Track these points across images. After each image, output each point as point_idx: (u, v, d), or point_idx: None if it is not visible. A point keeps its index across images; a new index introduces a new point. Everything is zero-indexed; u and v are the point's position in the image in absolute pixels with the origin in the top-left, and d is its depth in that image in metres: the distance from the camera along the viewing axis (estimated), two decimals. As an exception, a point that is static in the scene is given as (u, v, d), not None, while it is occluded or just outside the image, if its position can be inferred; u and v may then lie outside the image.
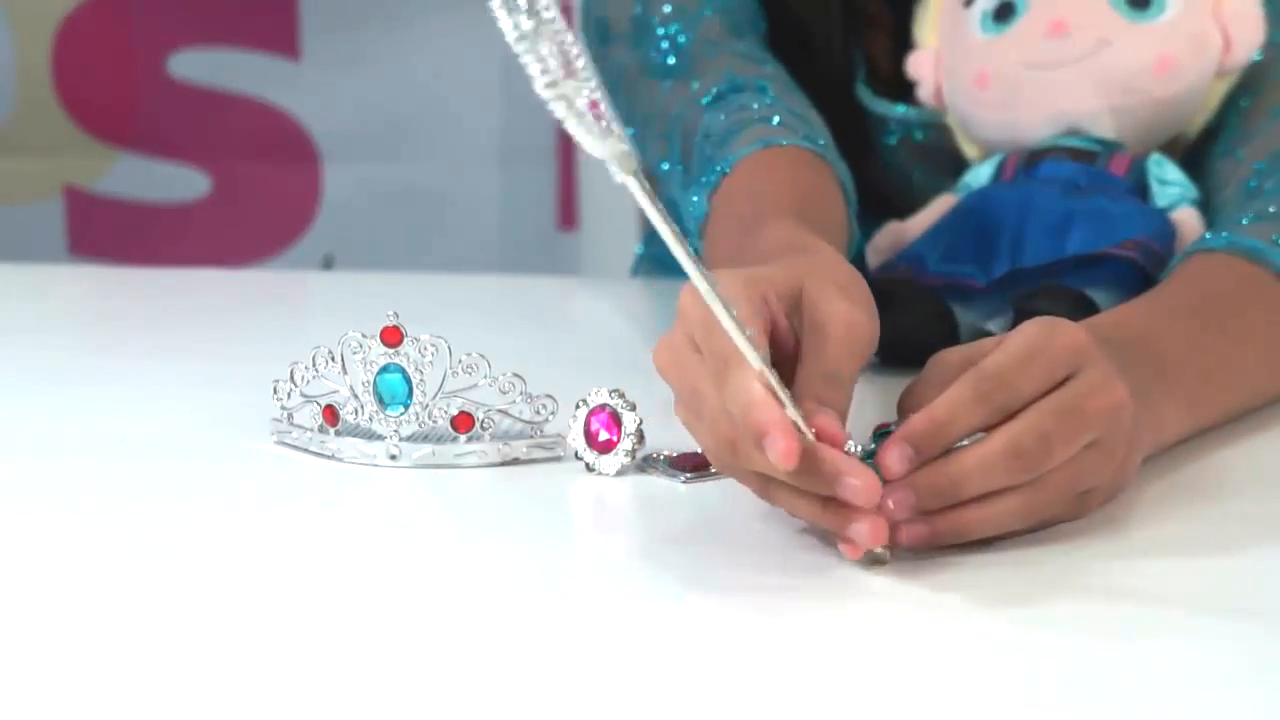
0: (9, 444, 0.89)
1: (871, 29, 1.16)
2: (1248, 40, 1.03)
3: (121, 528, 0.75)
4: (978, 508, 0.72)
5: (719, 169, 1.00)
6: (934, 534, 0.71)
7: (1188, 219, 1.00)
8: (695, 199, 1.00)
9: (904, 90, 1.13)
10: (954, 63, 1.07)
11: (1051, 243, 1.00)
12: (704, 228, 0.99)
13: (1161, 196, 1.01)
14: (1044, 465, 0.72)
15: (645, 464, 0.82)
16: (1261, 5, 1.04)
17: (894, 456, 0.71)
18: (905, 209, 1.11)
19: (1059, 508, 0.73)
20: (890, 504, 0.71)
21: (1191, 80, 1.02)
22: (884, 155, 1.16)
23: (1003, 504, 0.72)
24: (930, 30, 1.09)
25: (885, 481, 0.70)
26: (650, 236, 1.38)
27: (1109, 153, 1.02)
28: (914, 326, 0.96)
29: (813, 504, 0.71)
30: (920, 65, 1.09)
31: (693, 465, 0.81)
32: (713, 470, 0.80)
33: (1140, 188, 1.02)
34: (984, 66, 1.04)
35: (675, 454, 0.82)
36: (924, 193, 1.11)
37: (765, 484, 0.73)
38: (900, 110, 1.13)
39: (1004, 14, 1.04)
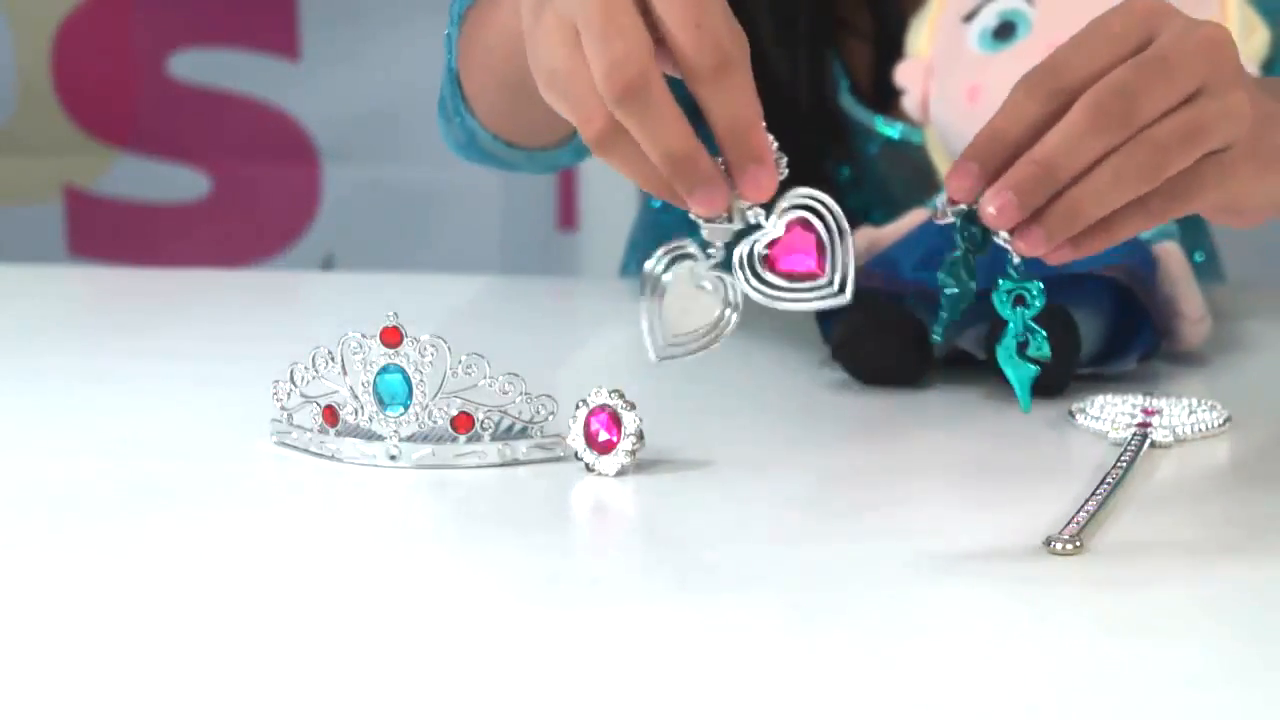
0: (9, 444, 0.89)
1: (853, 37, 1.16)
2: None
3: (121, 528, 0.75)
4: (1083, 182, 0.68)
5: None
6: (1048, 231, 0.68)
7: (1171, 252, 1.00)
8: None
9: (884, 102, 1.14)
10: (946, 74, 1.07)
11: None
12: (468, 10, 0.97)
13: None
14: (1134, 118, 0.68)
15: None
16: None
17: (957, 175, 0.67)
18: (885, 222, 1.11)
19: (1175, 163, 0.69)
20: (992, 210, 0.67)
21: None
22: (865, 166, 1.16)
23: (1107, 166, 0.68)
24: (924, 41, 1.09)
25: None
26: (636, 241, 1.38)
27: None
28: (891, 353, 0.95)
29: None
30: (909, 74, 1.09)
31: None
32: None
33: None
34: (978, 80, 1.04)
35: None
36: (905, 206, 1.11)
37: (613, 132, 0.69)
38: (879, 122, 1.13)
39: (1005, 33, 1.04)
